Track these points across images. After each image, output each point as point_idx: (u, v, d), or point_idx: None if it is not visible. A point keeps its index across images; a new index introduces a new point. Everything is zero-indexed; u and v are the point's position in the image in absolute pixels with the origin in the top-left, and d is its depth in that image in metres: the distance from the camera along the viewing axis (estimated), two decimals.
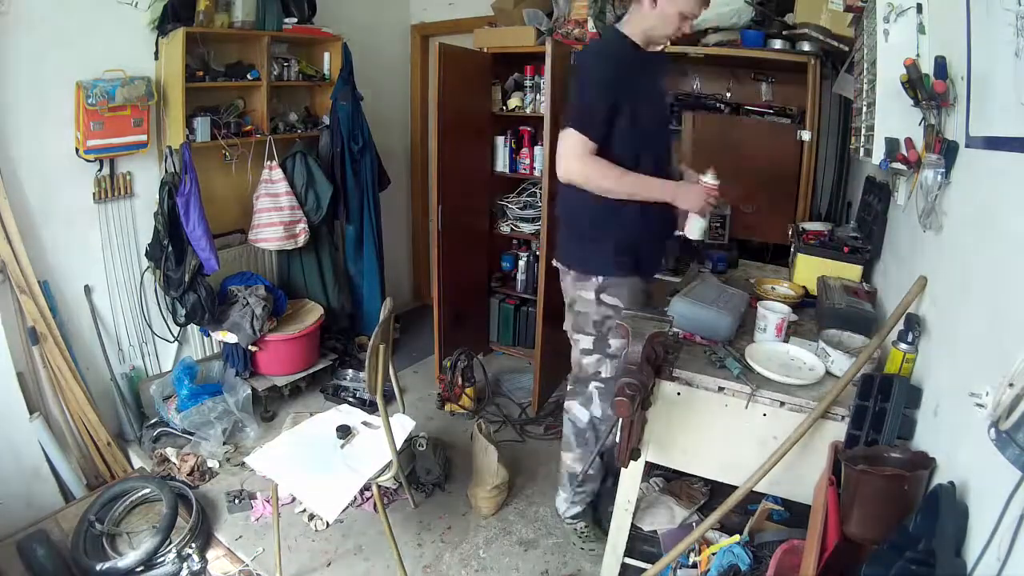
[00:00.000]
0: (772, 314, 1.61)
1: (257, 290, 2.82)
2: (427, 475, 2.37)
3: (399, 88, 3.99)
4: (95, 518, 2.02)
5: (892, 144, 1.33)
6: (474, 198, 3.29)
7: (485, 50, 3.12)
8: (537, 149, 3.22)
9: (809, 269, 1.96)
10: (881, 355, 1.37)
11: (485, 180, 3.36)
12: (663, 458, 1.57)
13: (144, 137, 2.47)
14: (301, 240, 3.00)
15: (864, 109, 1.57)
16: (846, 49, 2.20)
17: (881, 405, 1.17)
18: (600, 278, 1.82)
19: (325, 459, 1.79)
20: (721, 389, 1.42)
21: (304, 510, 2.21)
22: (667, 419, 1.49)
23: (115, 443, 2.46)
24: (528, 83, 3.20)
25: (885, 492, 1.00)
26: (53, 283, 2.37)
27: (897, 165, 1.34)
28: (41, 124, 2.26)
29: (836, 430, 1.31)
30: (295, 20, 2.93)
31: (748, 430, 1.41)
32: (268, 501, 2.22)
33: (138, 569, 1.88)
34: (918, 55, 1.28)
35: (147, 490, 2.16)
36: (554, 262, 1.99)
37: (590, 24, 2.84)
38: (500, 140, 3.33)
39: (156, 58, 2.55)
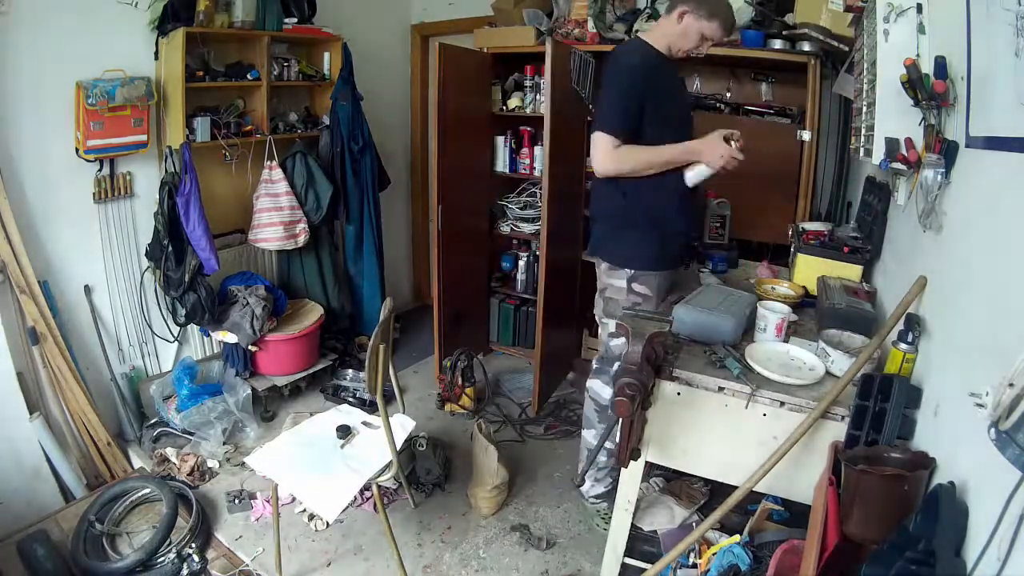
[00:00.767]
0: (772, 314, 1.61)
1: (257, 290, 2.82)
2: (427, 475, 2.37)
3: (399, 88, 3.99)
4: (95, 518, 2.02)
5: (892, 144, 1.33)
6: (474, 198, 3.29)
7: (485, 50, 3.12)
8: (537, 149, 3.22)
9: (809, 269, 1.96)
10: (881, 355, 1.37)
11: (485, 180, 3.36)
12: (663, 458, 1.57)
13: (144, 137, 2.47)
14: (301, 240, 3.00)
15: (864, 109, 1.57)
16: (846, 49, 2.20)
17: (881, 405, 1.17)
18: (632, 270, 1.94)
19: (325, 459, 1.79)
20: (721, 389, 1.42)
21: (304, 510, 2.21)
22: (667, 419, 1.49)
23: (115, 443, 2.46)
24: (528, 83, 3.21)
25: (885, 492, 1.00)
26: (53, 283, 2.37)
27: (897, 165, 1.34)
28: (41, 124, 2.26)
29: (836, 430, 1.30)
30: (295, 20, 2.93)
31: (748, 430, 1.41)
32: (268, 501, 2.22)
33: (138, 569, 1.88)
34: (918, 55, 1.28)
35: (147, 490, 2.16)
36: (587, 256, 2.06)
37: (590, 24, 2.84)
38: (500, 140, 3.33)
39: (156, 58, 2.55)
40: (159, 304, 2.74)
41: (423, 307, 4.25)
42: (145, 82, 2.41)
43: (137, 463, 2.52)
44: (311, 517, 2.19)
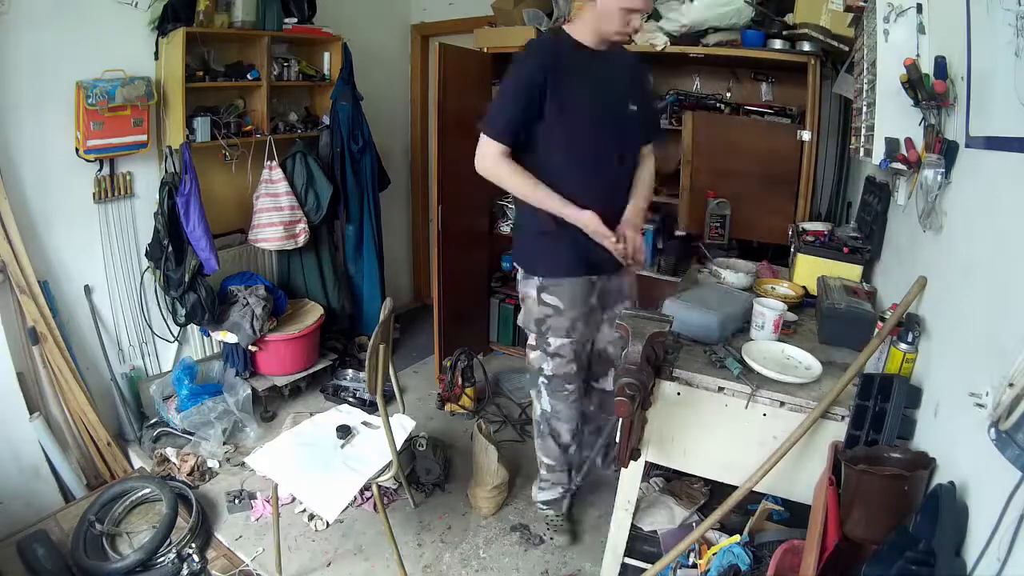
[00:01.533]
0: (769, 311, 1.61)
1: (257, 290, 2.82)
2: (427, 475, 2.37)
3: (399, 88, 3.99)
4: (95, 518, 2.02)
5: (892, 144, 1.33)
6: (474, 198, 3.28)
7: (485, 50, 3.12)
8: None
9: (809, 269, 1.96)
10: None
11: (485, 180, 3.34)
12: (663, 458, 1.56)
13: (144, 137, 2.47)
14: (301, 240, 3.00)
15: (864, 109, 1.56)
16: (846, 49, 2.20)
17: (881, 405, 1.17)
18: (540, 278, 1.85)
19: (325, 459, 1.79)
20: (721, 389, 1.42)
21: (304, 510, 2.21)
22: (667, 419, 1.49)
23: (115, 443, 2.45)
24: None
25: (885, 492, 1.00)
26: (53, 283, 2.37)
27: (897, 165, 1.34)
28: (41, 124, 2.26)
29: (836, 430, 1.30)
30: (295, 20, 2.93)
31: (748, 430, 1.41)
32: (268, 501, 2.22)
33: (138, 569, 1.88)
34: (918, 55, 1.28)
35: (147, 490, 2.16)
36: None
37: None
38: None
39: (156, 58, 2.55)
40: (159, 304, 2.74)
41: (423, 307, 4.25)
42: (145, 82, 2.41)
43: (137, 463, 2.52)
44: (311, 517, 2.19)
